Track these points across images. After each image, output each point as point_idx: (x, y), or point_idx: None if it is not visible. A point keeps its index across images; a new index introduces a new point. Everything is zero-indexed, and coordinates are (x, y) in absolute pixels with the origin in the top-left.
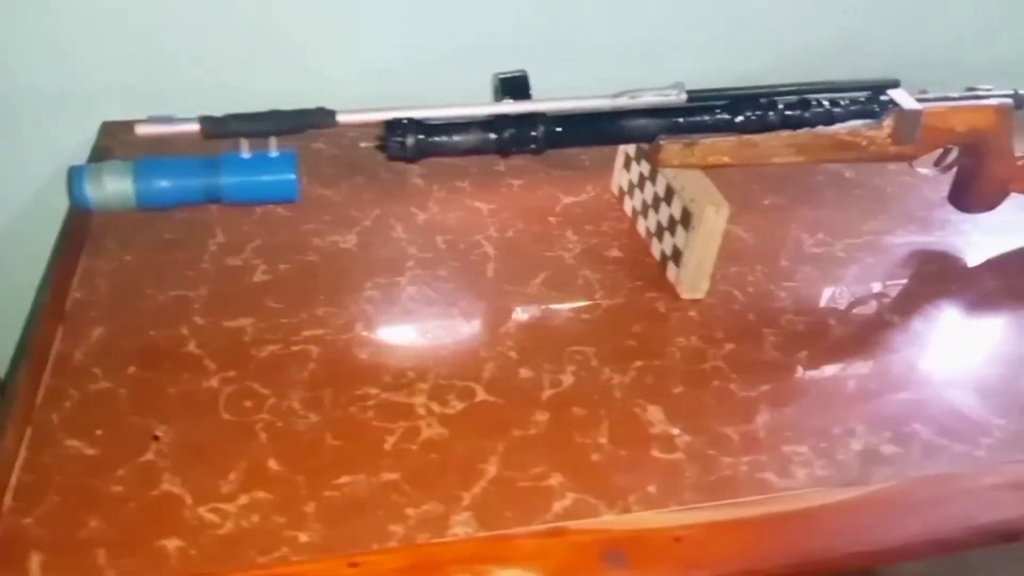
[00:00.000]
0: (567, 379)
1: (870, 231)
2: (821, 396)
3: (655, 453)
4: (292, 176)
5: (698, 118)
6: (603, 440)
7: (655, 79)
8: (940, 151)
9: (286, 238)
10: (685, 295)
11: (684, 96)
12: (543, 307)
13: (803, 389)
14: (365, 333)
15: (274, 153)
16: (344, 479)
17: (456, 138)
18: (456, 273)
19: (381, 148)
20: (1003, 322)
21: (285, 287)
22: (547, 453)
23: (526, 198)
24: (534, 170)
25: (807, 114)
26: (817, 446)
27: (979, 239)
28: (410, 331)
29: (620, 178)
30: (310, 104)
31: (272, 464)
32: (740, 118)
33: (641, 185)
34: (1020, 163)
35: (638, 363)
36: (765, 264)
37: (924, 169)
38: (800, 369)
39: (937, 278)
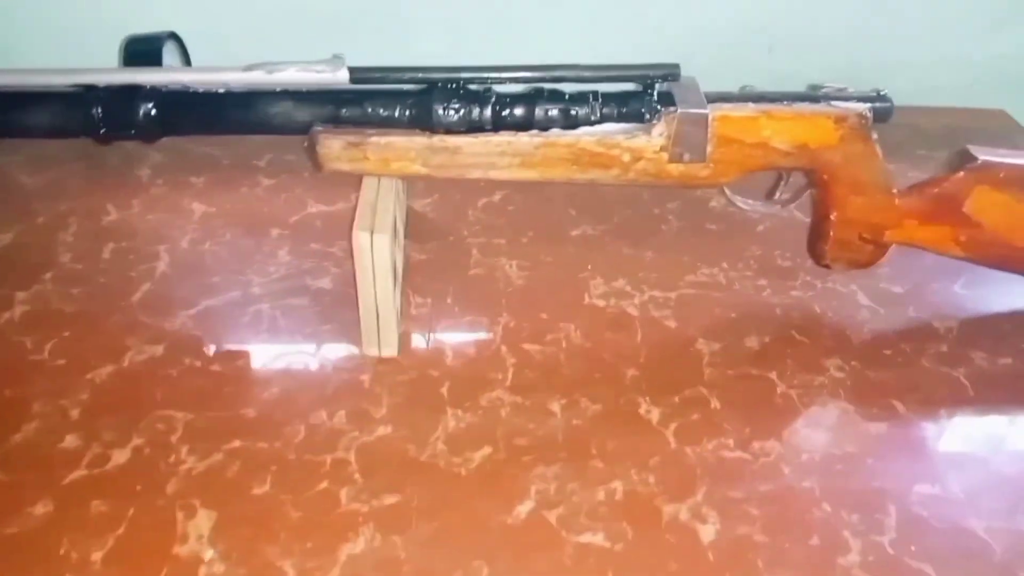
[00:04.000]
0: (121, 456)
1: (696, 281)
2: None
3: None
4: None
5: (371, 108)
6: (96, 556)
7: None
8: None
9: None
10: (368, 350)
11: (344, 73)
12: (166, 351)
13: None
14: None
15: None
16: None
17: (31, 115)
18: (94, 293)
19: None
20: (808, 437)
21: None
22: (6, 570)
23: (263, 202)
24: (300, 169)
25: (536, 112)
26: None
27: (855, 307)
28: None
29: None
30: None
31: None
32: (429, 111)
33: None
34: (900, 201)
35: (236, 443)
36: (516, 316)
37: (746, 204)
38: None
39: (751, 360)
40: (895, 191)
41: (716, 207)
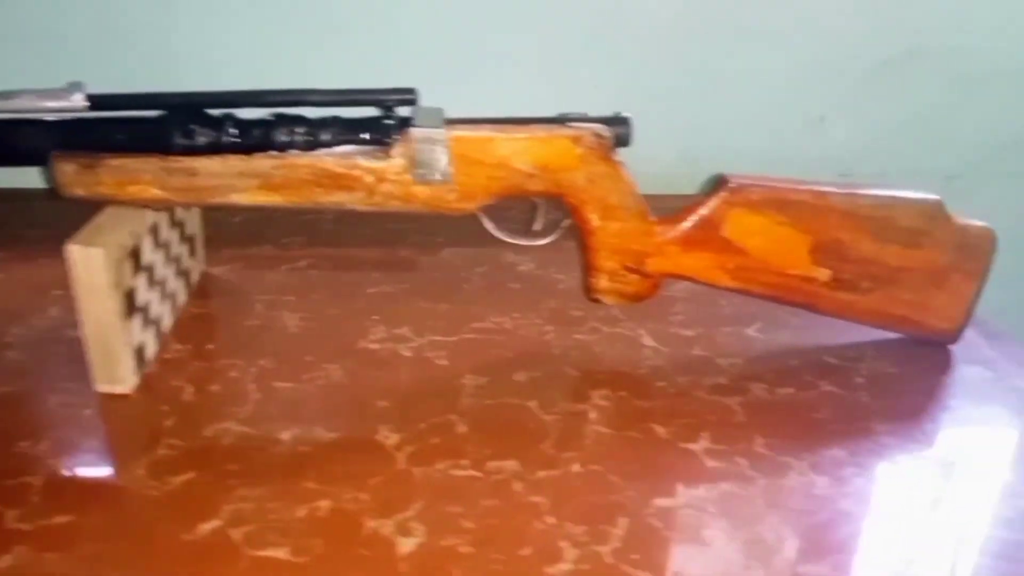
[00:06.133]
0: None
1: (482, 328)
2: None
3: None
4: None
5: (108, 133)
6: None
7: None
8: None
9: None
10: (100, 386)
11: (81, 99)
12: None
13: None
14: None
15: None
16: None
17: None
18: None
19: None
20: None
21: None
22: None
23: (58, 270)
24: None
25: (275, 136)
26: None
27: (639, 347)
28: None
29: None
30: None
31: None
32: (166, 136)
33: None
34: (659, 227)
35: None
36: (278, 358)
37: (506, 236)
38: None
39: (514, 391)
40: (653, 218)
41: (524, 271)
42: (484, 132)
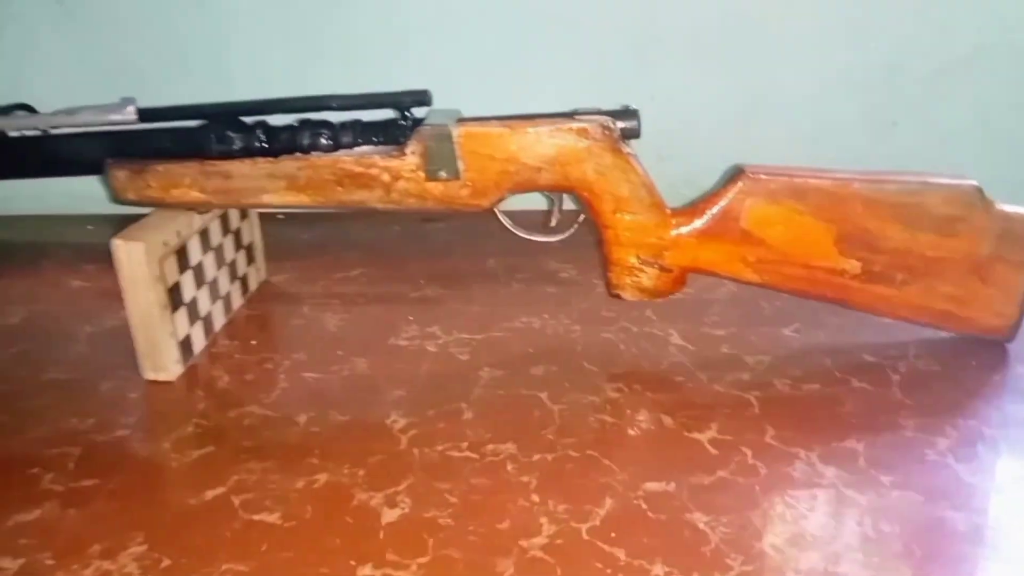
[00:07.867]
0: None
1: (510, 327)
2: None
3: None
4: None
5: (156, 142)
6: None
7: None
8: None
9: None
10: (147, 374)
11: (133, 112)
12: None
13: None
14: None
15: None
16: None
17: None
18: None
19: None
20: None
21: None
22: None
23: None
24: None
25: (301, 139)
26: None
27: (664, 345)
28: None
29: None
30: None
31: None
32: (205, 142)
33: None
34: (675, 220)
35: None
36: (311, 352)
37: (525, 233)
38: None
39: (528, 383)
40: (669, 210)
41: (564, 277)
42: (493, 128)
